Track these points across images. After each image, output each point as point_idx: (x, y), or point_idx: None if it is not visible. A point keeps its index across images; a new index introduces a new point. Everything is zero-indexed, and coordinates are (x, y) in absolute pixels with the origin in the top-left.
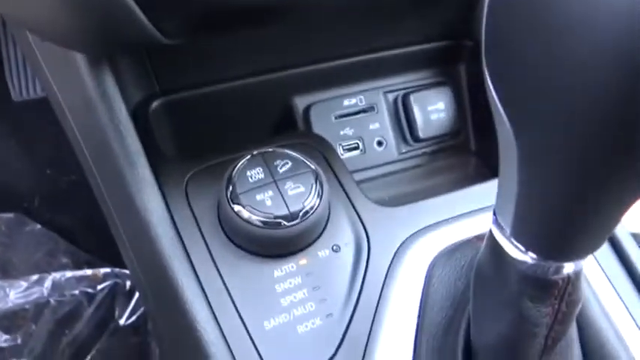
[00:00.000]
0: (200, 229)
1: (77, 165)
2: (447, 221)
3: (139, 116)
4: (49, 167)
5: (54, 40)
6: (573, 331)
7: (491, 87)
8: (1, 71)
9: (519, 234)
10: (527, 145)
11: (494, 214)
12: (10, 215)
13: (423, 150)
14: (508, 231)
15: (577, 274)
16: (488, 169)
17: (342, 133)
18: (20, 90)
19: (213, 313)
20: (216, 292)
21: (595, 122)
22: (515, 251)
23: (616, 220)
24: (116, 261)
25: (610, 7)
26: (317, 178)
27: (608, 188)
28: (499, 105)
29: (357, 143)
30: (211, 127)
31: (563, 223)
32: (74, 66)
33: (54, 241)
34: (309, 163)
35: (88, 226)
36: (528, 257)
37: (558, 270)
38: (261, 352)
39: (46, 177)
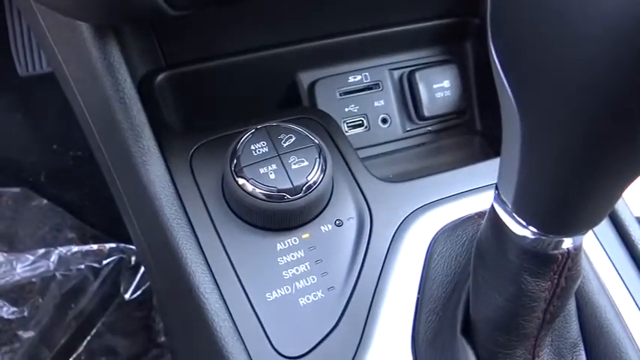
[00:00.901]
0: (204, 202)
1: (83, 140)
2: (449, 198)
3: (144, 89)
4: (56, 143)
5: (59, 9)
6: (572, 307)
7: (494, 55)
8: (7, 46)
9: (520, 209)
10: (530, 117)
11: (496, 189)
12: (17, 190)
13: (428, 128)
14: (509, 206)
15: (577, 250)
16: (492, 150)
17: (346, 109)
18: (27, 65)
19: (217, 284)
20: (220, 264)
21: (598, 91)
22: (516, 226)
23: (616, 196)
24: (121, 236)
25: None
26: (320, 152)
27: (609, 164)
28: (502, 74)
29: (362, 120)
30: (216, 101)
31: (563, 197)
32: (80, 37)
33: (60, 216)
34: (312, 137)
35: (94, 201)
36: (529, 232)
37: (558, 245)
38: (263, 323)
39: (53, 152)
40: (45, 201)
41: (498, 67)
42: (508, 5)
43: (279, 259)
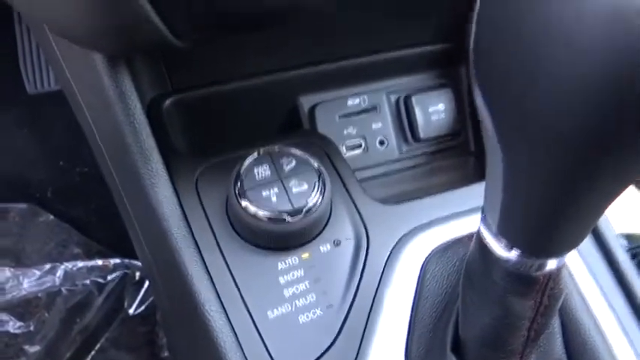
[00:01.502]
0: (209, 223)
1: (90, 157)
2: (443, 219)
3: (152, 113)
4: (63, 159)
5: (72, 40)
6: (556, 324)
7: (478, 93)
8: (16, 63)
9: (504, 231)
10: (511, 152)
11: (483, 212)
12: (24, 206)
13: (424, 150)
14: (494, 229)
15: (558, 270)
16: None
17: (345, 132)
18: (35, 83)
19: (221, 301)
20: (224, 283)
21: (576, 137)
22: (501, 248)
23: (593, 221)
24: (126, 252)
25: (589, 25)
26: (320, 176)
27: (586, 196)
28: (486, 110)
29: (360, 142)
30: (221, 124)
31: (544, 223)
32: (92, 64)
33: (66, 231)
34: (313, 161)
35: (99, 217)
36: (512, 254)
37: (541, 267)
38: (265, 340)
39: (60, 169)
40: (51, 217)
41: (482, 103)
42: (488, 44)
43: (280, 278)
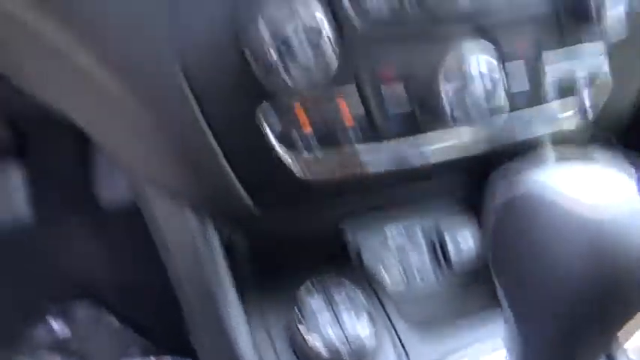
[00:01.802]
0: (274, 347)
1: (158, 267)
2: (478, 343)
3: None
4: (132, 266)
5: (165, 193)
6: None
7: (498, 286)
8: (88, 172)
9: None
10: (520, 318)
11: (506, 349)
12: (88, 307)
13: (457, 275)
14: None
15: None
16: None
17: (383, 254)
18: (109, 197)
19: None
20: None
21: (574, 319)
22: None
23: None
24: (186, 354)
25: (575, 257)
26: (366, 307)
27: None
28: (502, 296)
29: (398, 267)
30: (279, 253)
31: None
32: (181, 209)
33: (128, 334)
34: (360, 293)
35: (161, 322)
36: None
37: None
38: None
39: (127, 275)
40: (114, 319)
41: (501, 293)
42: (505, 266)
43: None
